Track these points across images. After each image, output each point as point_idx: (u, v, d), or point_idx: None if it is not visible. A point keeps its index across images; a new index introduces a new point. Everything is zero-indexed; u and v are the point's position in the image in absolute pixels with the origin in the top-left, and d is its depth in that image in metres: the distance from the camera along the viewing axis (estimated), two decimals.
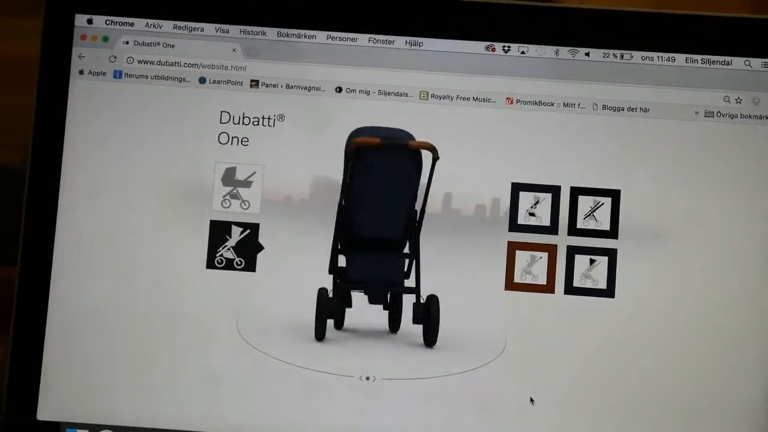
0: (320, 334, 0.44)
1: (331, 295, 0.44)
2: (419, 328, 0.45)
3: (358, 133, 0.45)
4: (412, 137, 0.44)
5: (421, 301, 0.45)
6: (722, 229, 0.43)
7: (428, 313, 0.44)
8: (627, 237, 0.44)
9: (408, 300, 0.46)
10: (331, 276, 0.45)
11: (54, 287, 0.44)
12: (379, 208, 0.46)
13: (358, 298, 0.47)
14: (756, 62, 0.43)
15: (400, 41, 0.45)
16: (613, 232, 0.44)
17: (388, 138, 0.44)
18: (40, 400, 0.44)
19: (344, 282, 0.45)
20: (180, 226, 0.44)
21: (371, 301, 0.46)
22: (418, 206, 0.46)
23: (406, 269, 0.46)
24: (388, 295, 0.47)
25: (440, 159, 0.45)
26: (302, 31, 0.45)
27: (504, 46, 0.44)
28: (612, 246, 0.44)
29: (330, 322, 0.45)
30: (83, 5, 0.45)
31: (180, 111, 0.45)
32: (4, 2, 0.55)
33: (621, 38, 0.44)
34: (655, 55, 0.44)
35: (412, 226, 0.45)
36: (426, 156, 0.44)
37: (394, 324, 0.46)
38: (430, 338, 0.44)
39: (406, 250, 0.48)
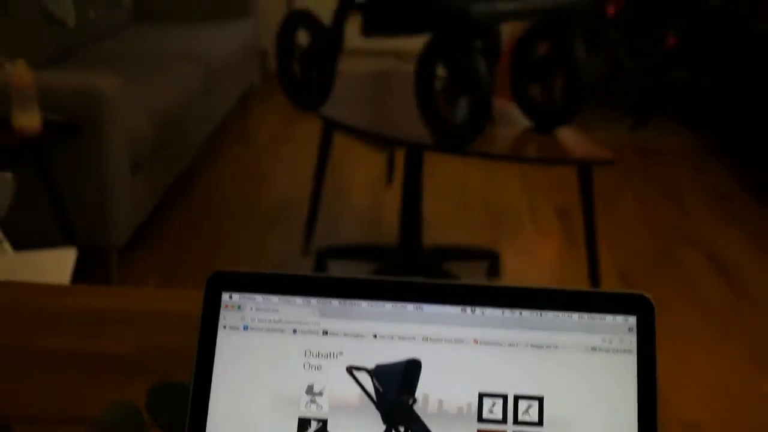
0: None
1: None
2: None
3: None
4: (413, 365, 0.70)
5: None
6: (603, 417, 0.65)
7: None
8: (548, 424, 0.65)
9: None
10: None
11: None
12: (389, 404, 0.67)
13: None
14: (619, 318, 0.67)
15: (410, 306, 0.67)
16: (540, 422, 0.65)
17: (377, 364, 0.67)
18: None
19: None
20: (280, 419, 0.67)
21: None
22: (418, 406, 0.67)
23: None
24: None
25: (434, 378, 0.68)
26: (353, 301, 0.68)
27: (471, 309, 0.67)
28: (540, 431, 0.67)
29: None
30: (227, 288, 0.70)
31: (281, 350, 0.67)
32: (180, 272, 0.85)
33: (541, 304, 0.68)
34: (560, 313, 0.67)
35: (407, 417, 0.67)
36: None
37: None
38: None
39: None
